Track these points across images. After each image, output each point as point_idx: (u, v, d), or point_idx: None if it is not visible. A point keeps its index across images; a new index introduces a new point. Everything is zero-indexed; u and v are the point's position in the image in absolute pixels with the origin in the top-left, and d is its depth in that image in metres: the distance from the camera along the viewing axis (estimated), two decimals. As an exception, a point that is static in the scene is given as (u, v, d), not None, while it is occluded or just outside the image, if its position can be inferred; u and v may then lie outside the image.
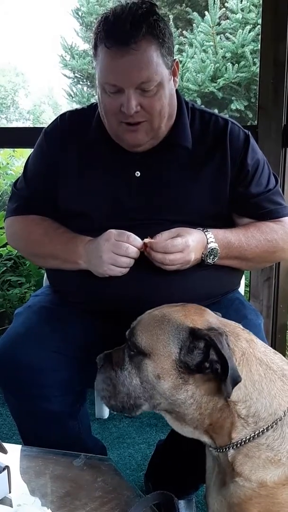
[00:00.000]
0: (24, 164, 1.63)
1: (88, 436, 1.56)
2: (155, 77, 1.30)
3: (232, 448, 1.04)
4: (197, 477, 1.55)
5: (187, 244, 1.32)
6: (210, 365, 0.99)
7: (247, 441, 1.03)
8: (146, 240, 1.33)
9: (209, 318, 1.07)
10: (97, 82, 1.37)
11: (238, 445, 1.03)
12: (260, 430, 1.02)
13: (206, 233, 1.39)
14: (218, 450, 1.08)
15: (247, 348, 1.04)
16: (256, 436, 1.02)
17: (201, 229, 1.40)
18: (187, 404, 1.04)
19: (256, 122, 2.19)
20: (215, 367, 0.98)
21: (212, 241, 1.38)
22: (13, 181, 1.71)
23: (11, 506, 1.09)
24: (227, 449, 1.05)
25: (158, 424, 2.29)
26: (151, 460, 1.74)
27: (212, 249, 1.38)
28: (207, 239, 1.38)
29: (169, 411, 1.10)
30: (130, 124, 1.35)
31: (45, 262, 1.56)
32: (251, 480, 1.02)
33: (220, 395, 1.01)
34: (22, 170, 1.62)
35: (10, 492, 1.12)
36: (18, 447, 1.33)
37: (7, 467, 1.11)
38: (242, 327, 1.10)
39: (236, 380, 0.98)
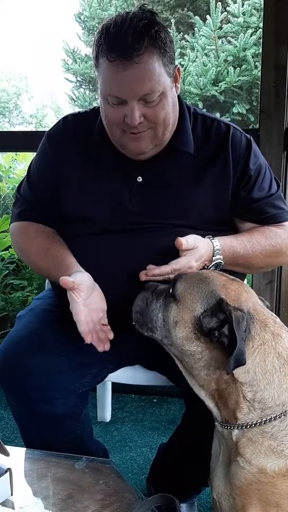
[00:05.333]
0: (27, 168, 1.64)
1: (90, 439, 1.56)
2: (158, 88, 1.30)
3: (237, 428, 1.07)
4: (199, 480, 1.55)
5: (190, 265, 1.32)
6: (219, 335, 1.05)
7: (252, 425, 1.05)
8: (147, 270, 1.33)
9: (243, 299, 1.10)
10: (99, 91, 1.37)
11: (243, 427, 1.06)
12: (267, 418, 1.04)
13: (212, 241, 1.39)
14: (223, 426, 1.11)
15: (270, 340, 1.07)
16: (262, 422, 1.05)
17: (210, 237, 1.40)
18: (196, 357, 1.11)
19: (257, 125, 2.19)
20: (221, 339, 1.05)
21: (218, 253, 1.39)
22: (15, 184, 1.71)
23: (13, 508, 1.09)
24: (232, 427, 1.08)
25: (160, 427, 2.29)
26: (153, 463, 1.74)
27: (217, 263, 1.39)
28: (214, 251, 1.38)
29: (179, 358, 1.17)
30: (134, 133, 1.35)
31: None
32: (251, 464, 1.04)
33: (223, 367, 1.06)
34: (25, 175, 1.61)
35: (12, 495, 1.12)
36: (20, 449, 1.33)
37: (9, 470, 1.11)
38: (280, 323, 1.13)
39: (239, 362, 1.01)
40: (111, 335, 1.32)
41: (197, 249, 1.35)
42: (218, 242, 1.40)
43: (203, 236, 1.42)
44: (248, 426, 1.06)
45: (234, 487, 1.06)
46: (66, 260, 1.41)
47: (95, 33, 1.34)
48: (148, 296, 1.24)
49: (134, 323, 1.26)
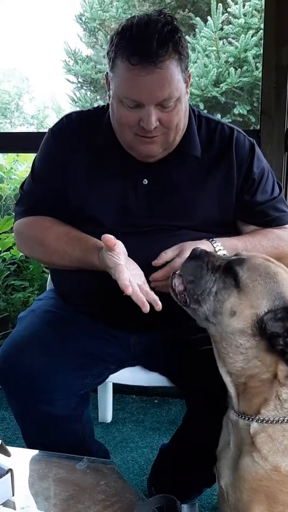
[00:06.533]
0: (28, 170, 1.63)
1: (91, 439, 1.56)
2: (176, 94, 1.31)
3: (256, 421, 1.06)
4: (201, 481, 1.56)
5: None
6: (284, 346, 1.00)
7: (274, 422, 1.04)
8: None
9: None
10: (111, 92, 1.37)
11: (264, 421, 1.05)
12: None
13: (213, 242, 1.39)
14: (238, 415, 1.09)
15: None
16: (285, 421, 1.04)
17: (208, 239, 1.40)
18: (239, 350, 1.06)
19: (258, 126, 2.20)
20: (286, 349, 1.00)
21: (220, 249, 1.39)
22: (17, 186, 1.70)
23: (14, 509, 1.09)
24: (250, 420, 1.06)
25: (161, 428, 2.29)
26: (154, 464, 1.74)
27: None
28: (214, 248, 1.38)
29: (216, 340, 1.11)
30: (148, 136, 1.35)
31: (64, 268, 1.53)
32: (267, 460, 1.03)
33: (269, 369, 1.03)
34: (29, 173, 1.60)
35: (13, 495, 1.12)
36: (22, 450, 1.33)
37: (10, 470, 1.11)
38: None
39: None
40: (157, 298, 1.28)
41: (183, 255, 1.33)
42: (219, 242, 1.40)
43: (206, 238, 1.42)
44: (269, 422, 1.05)
45: (243, 480, 1.05)
46: (91, 240, 1.39)
47: (113, 33, 1.32)
48: (200, 265, 1.16)
49: (182, 291, 1.18)
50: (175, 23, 1.31)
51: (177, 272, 1.21)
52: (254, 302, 1.05)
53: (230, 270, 1.10)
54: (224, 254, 1.38)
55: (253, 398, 1.07)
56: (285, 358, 1.01)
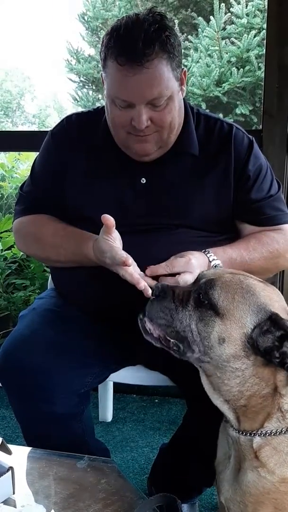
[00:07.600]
0: (29, 168, 1.64)
1: (91, 438, 1.56)
2: (166, 92, 1.31)
3: (259, 436, 1.03)
4: (201, 481, 1.56)
5: (191, 263, 1.31)
6: (282, 357, 0.97)
7: (277, 433, 1.02)
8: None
9: (286, 309, 1.05)
10: (105, 92, 1.38)
11: (267, 435, 1.02)
12: None
13: (206, 253, 1.39)
14: (240, 433, 1.06)
15: None
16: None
17: (202, 251, 1.39)
18: (235, 374, 1.02)
19: (260, 126, 2.20)
20: (285, 360, 0.96)
21: (214, 259, 1.38)
22: (18, 184, 1.71)
23: (15, 507, 1.09)
24: (252, 435, 1.04)
25: (161, 427, 2.29)
26: (154, 463, 1.74)
27: (215, 266, 1.38)
28: (209, 259, 1.38)
29: (209, 373, 1.07)
30: (140, 135, 1.36)
31: (60, 264, 1.55)
32: (274, 474, 1.01)
33: (268, 383, 1.01)
34: (29, 173, 1.62)
35: (14, 493, 1.12)
36: (22, 448, 1.34)
37: (11, 468, 1.12)
38: None
39: None
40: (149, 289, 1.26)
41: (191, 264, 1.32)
42: (213, 252, 1.39)
43: (205, 238, 1.42)
44: (273, 434, 1.02)
45: (248, 494, 1.03)
46: (87, 233, 1.42)
47: (104, 34, 1.34)
48: (167, 304, 1.09)
49: (168, 337, 1.10)
50: (164, 21, 1.31)
51: (145, 315, 1.12)
52: (239, 322, 1.01)
53: (202, 300, 1.05)
54: (217, 265, 1.37)
55: (256, 416, 1.04)
56: (285, 368, 0.97)
